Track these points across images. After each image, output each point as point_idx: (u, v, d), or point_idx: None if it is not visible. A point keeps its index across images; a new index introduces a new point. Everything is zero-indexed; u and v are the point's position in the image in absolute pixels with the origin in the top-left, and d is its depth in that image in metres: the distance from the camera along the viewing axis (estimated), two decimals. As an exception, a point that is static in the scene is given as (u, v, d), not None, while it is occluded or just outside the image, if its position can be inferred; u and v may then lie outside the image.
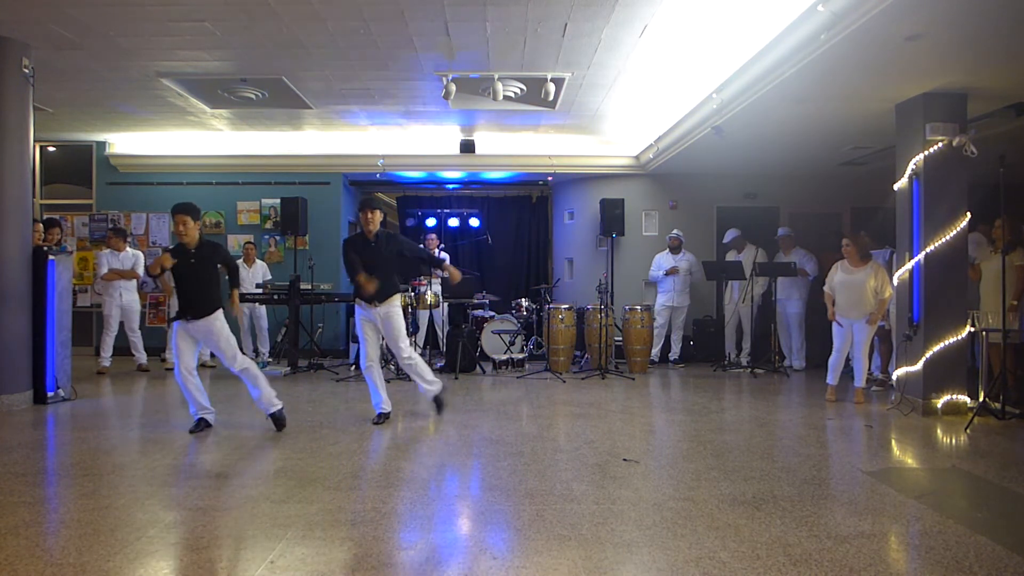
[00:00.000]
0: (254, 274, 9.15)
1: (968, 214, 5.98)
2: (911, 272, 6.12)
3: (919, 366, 5.99)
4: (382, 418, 5.54)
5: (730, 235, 9.17)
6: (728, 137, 7.12)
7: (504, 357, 8.69)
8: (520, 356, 8.76)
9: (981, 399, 5.77)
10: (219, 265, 5.27)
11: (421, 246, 8.37)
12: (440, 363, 8.57)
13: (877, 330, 6.82)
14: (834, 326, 6.60)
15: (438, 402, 5.79)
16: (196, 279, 5.06)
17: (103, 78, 6.78)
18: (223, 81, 6.79)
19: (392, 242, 5.64)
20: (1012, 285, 5.92)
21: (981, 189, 6.35)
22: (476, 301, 9.09)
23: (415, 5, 5.06)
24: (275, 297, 8.59)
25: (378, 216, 5.59)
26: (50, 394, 6.16)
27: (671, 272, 9.14)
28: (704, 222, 10.14)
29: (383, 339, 5.70)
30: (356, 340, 8.67)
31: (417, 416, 5.91)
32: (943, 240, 5.93)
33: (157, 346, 8.95)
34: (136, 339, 8.38)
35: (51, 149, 10.02)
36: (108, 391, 7.05)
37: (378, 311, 5.49)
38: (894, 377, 6.48)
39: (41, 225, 7.22)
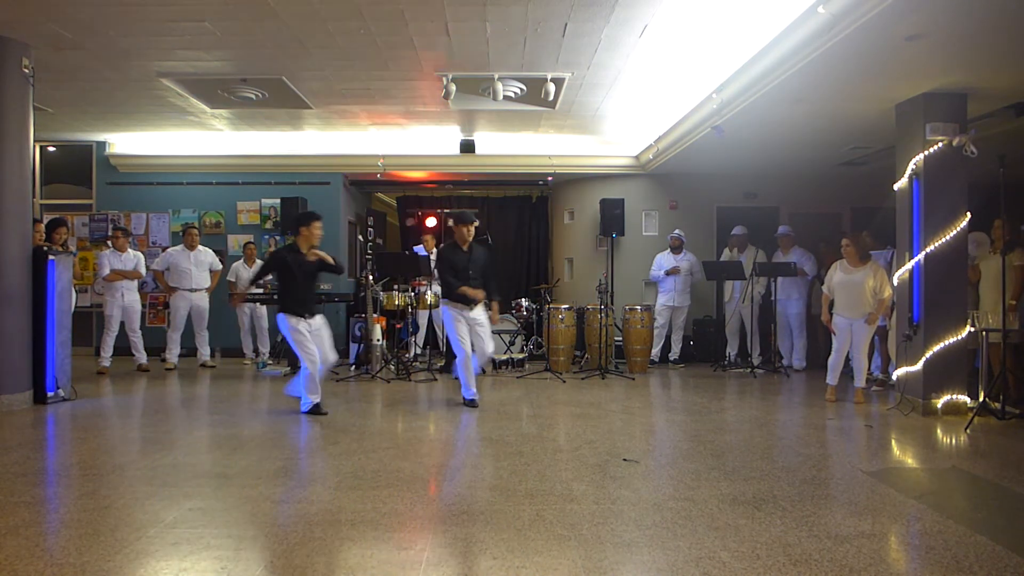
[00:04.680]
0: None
1: (968, 214, 5.98)
2: (911, 272, 6.12)
3: (919, 366, 6.00)
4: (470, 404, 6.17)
5: (738, 229, 9.16)
6: (728, 137, 7.12)
7: (504, 357, 8.68)
8: (520, 356, 8.76)
9: (981, 399, 5.77)
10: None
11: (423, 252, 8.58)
12: (440, 363, 8.57)
13: (877, 329, 6.82)
14: (833, 326, 6.59)
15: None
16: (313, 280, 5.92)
17: (103, 78, 6.78)
18: (223, 81, 6.79)
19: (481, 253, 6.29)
20: (1012, 285, 5.92)
21: (981, 189, 6.35)
22: (476, 301, 9.08)
23: (415, 5, 5.06)
24: (275, 297, 8.58)
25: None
26: (50, 394, 6.16)
27: (672, 272, 9.13)
28: (704, 222, 10.15)
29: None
30: (356, 340, 8.70)
31: (417, 416, 5.91)
32: (943, 240, 5.93)
33: (157, 346, 8.95)
34: (137, 339, 8.39)
35: (51, 149, 10.02)
36: (108, 391, 7.05)
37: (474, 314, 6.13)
38: (894, 377, 6.49)
39: (42, 225, 7.22)
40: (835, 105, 6.30)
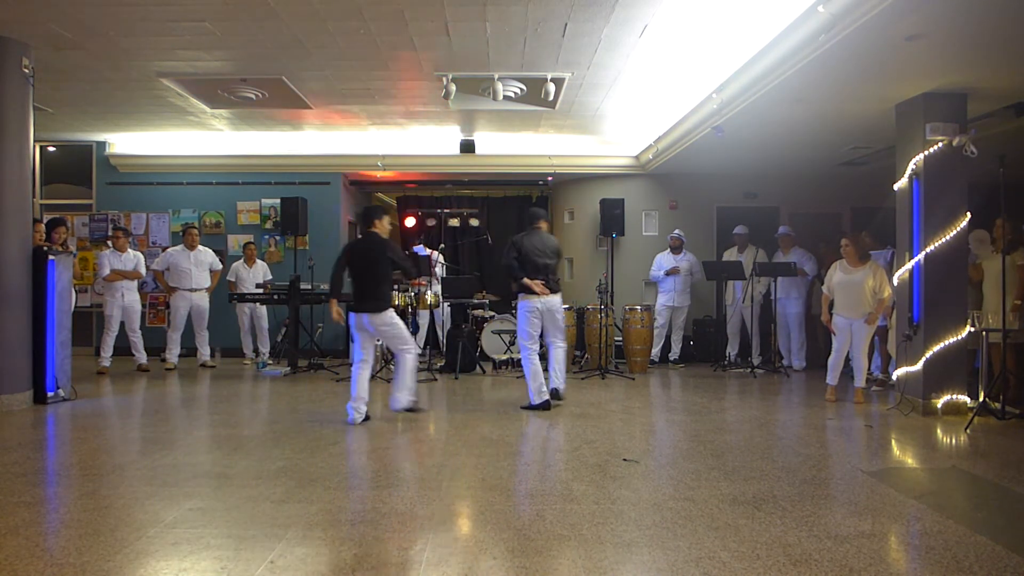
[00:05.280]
0: (254, 274, 9.16)
1: (968, 214, 5.98)
2: (911, 272, 6.12)
3: (919, 366, 5.99)
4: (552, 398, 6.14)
5: (739, 229, 9.16)
6: (728, 137, 7.12)
7: (504, 357, 8.68)
8: (520, 356, 8.73)
9: (981, 399, 5.77)
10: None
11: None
12: (440, 363, 8.57)
13: (877, 329, 6.81)
14: (833, 326, 6.59)
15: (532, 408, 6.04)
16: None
17: (103, 78, 6.78)
18: (223, 81, 6.79)
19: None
20: (1013, 285, 5.92)
21: (981, 189, 6.35)
22: (476, 301, 9.09)
23: (415, 5, 5.06)
24: (275, 297, 8.59)
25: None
26: (50, 394, 6.16)
27: (672, 272, 9.14)
28: (704, 222, 10.15)
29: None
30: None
31: (417, 416, 5.91)
32: (943, 240, 5.93)
33: (157, 346, 8.95)
34: (137, 339, 8.39)
35: (51, 149, 10.02)
36: (108, 391, 7.05)
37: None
38: (894, 377, 6.49)
39: (42, 225, 7.22)
40: (835, 105, 6.29)
